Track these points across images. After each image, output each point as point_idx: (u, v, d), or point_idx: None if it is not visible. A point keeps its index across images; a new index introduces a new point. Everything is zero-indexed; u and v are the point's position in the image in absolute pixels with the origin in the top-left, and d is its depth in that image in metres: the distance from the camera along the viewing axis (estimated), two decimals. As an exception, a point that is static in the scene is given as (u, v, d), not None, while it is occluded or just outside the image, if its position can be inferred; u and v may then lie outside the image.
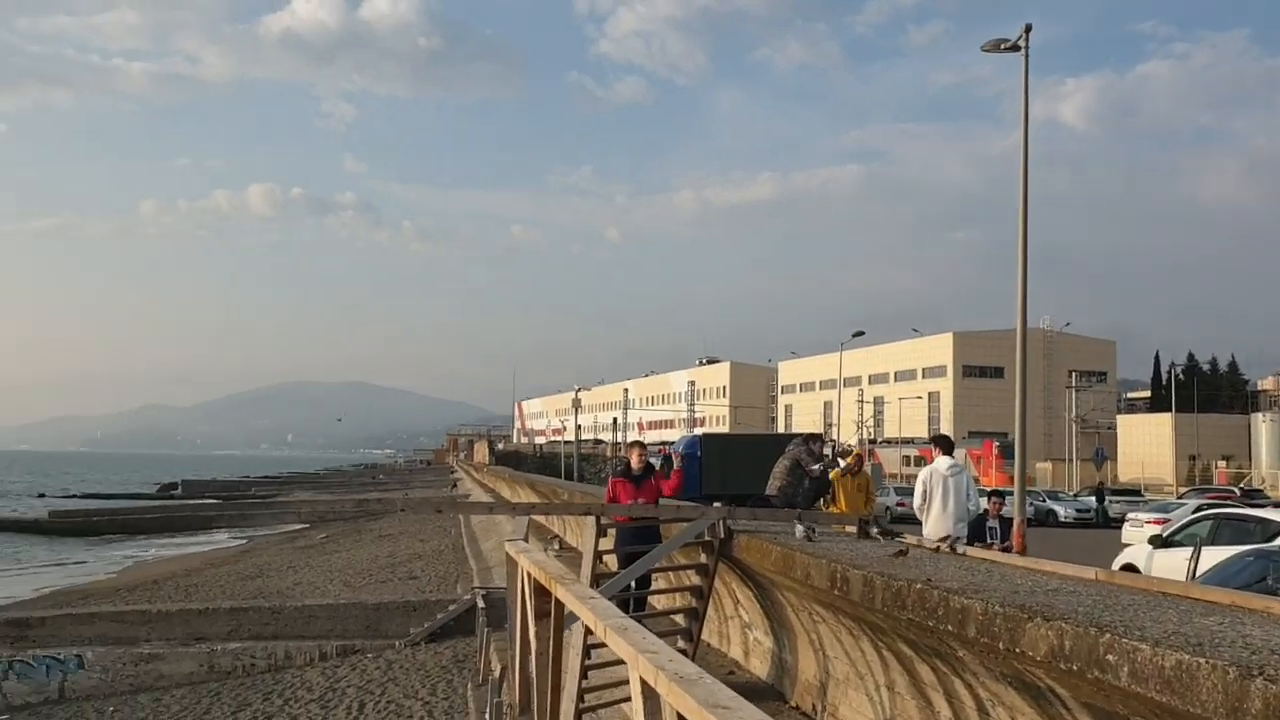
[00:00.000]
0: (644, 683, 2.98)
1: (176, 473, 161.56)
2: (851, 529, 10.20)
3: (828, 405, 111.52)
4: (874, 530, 9.90)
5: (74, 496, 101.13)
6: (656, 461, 12.37)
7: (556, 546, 22.05)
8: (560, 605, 5.39)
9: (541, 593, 5.75)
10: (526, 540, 8.36)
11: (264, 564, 37.32)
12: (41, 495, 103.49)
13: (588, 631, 8.12)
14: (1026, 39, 21.64)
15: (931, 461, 11.29)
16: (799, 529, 9.93)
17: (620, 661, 9.56)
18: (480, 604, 19.84)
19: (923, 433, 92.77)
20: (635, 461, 11.41)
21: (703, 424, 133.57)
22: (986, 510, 13.61)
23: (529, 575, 6.22)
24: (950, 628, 5.72)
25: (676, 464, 11.70)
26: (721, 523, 9.87)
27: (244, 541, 51.89)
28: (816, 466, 10.87)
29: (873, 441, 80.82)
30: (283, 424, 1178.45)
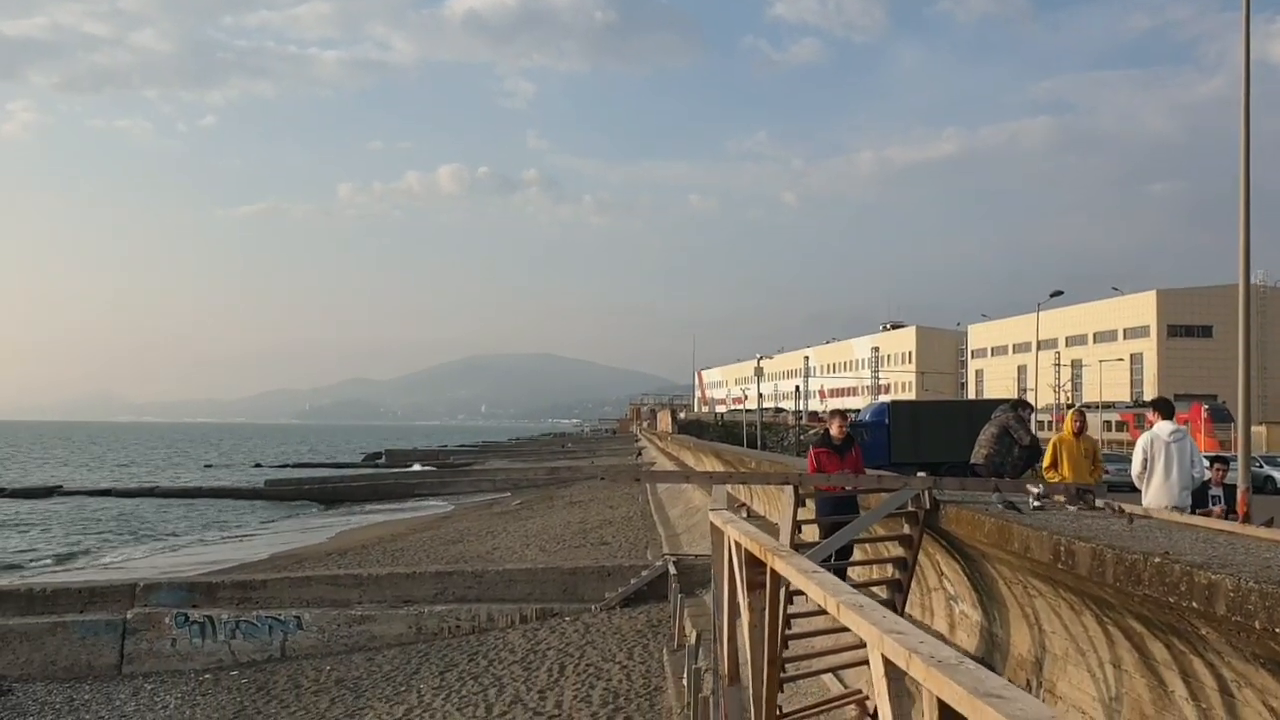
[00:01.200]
0: (890, 664, 2.80)
1: (380, 443, 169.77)
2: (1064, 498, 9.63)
3: (1021, 369, 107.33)
4: (1080, 500, 9.34)
5: (287, 466, 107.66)
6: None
7: (744, 514, 21.94)
8: (776, 577, 5.24)
9: (754, 563, 5.62)
10: (728, 509, 8.25)
11: (464, 529, 38.67)
12: (258, 465, 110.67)
13: (788, 600, 7.97)
14: (1247, -29, 19.83)
15: (1144, 426, 10.55)
16: (996, 498, 9.48)
17: (824, 632, 9.38)
18: (672, 570, 20.01)
19: (1124, 397, 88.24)
20: (837, 431, 11.15)
21: (887, 391, 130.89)
22: (1209, 478, 12.71)
23: (738, 545, 6.10)
24: (1195, 604, 5.30)
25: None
26: (927, 493, 9.51)
27: (451, 508, 53.90)
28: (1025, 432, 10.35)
29: (1070, 406, 77.21)
30: (477, 395, 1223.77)
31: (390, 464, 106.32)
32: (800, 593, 7.74)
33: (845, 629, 9.07)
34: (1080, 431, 10.97)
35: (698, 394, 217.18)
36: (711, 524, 7.63)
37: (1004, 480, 9.96)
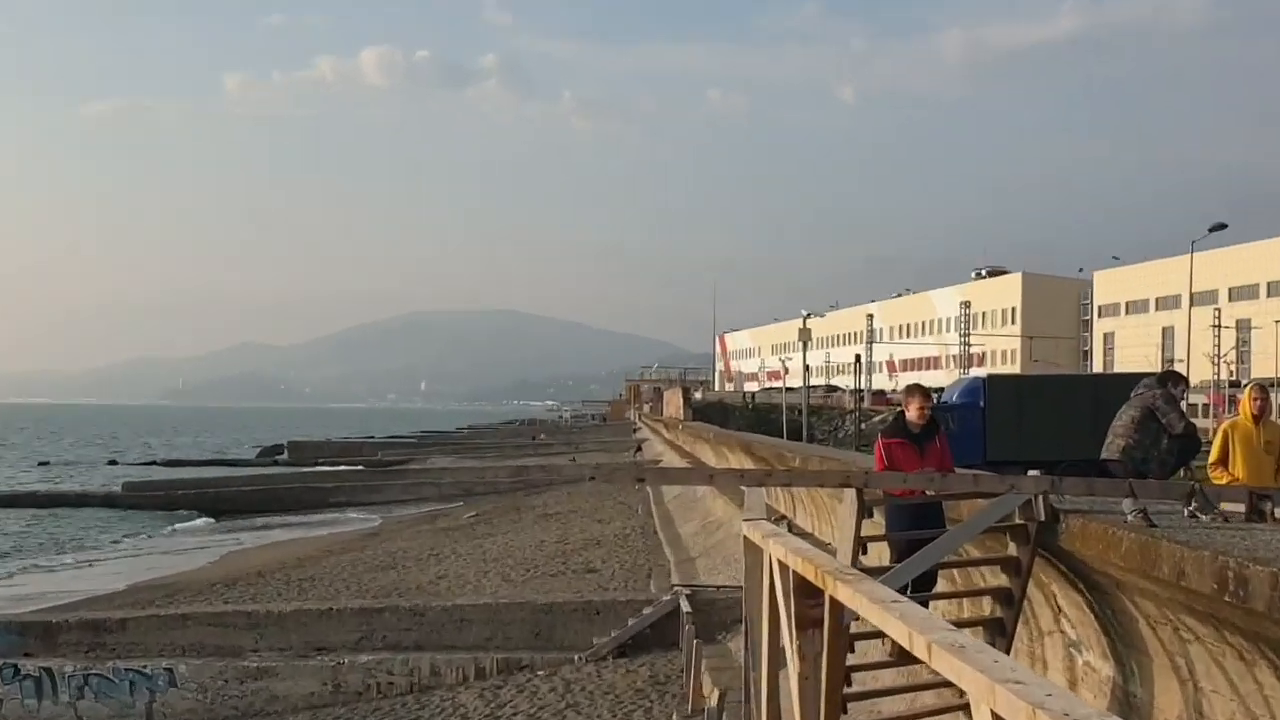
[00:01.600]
0: (1004, 724, 2.76)
1: (282, 432, 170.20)
2: (1235, 507, 9.62)
3: (1166, 332, 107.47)
4: (1271, 509, 9.33)
5: (154, 464, 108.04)
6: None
7: (785, 530, 22.05)
8: (838, 609, 5.22)
9: (806, 592, 5.59)
10: (774, 522, 8.26)
11: (398, 551, 38.87)
12: (113, 463, 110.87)
13: (849, 645, 7.97)
14: None
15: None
16: (1128, 507, 9.41)
17: (893, 692, 9.41)
18: (684, 607, 20.12)
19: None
20: (915, 415, 11.06)
21: (981, 362, 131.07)
22: None
23: (783, 567, 6.09)
24: None
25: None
26: (1041, 499, 9.46)
27: (379, 521, 54.04)
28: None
29: (1234, 383, 77.42)
30: (414, 367, 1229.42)
31: (295, 461, 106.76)
32: (865, 635, 7.73)
33: (925, 685, 9.10)
34: (1261, 415, 10.89)
35: (719, 367, 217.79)
36: (745, 539, 7.63)
37: (1148, 482, 9.94)
